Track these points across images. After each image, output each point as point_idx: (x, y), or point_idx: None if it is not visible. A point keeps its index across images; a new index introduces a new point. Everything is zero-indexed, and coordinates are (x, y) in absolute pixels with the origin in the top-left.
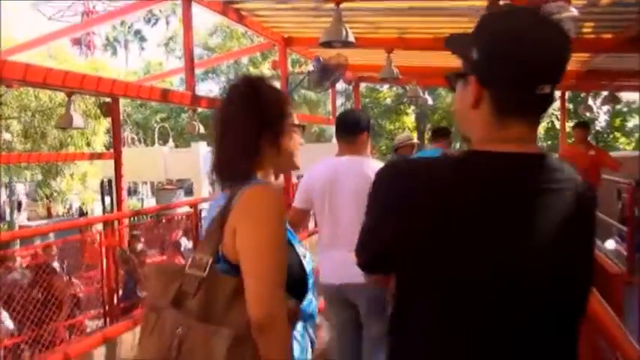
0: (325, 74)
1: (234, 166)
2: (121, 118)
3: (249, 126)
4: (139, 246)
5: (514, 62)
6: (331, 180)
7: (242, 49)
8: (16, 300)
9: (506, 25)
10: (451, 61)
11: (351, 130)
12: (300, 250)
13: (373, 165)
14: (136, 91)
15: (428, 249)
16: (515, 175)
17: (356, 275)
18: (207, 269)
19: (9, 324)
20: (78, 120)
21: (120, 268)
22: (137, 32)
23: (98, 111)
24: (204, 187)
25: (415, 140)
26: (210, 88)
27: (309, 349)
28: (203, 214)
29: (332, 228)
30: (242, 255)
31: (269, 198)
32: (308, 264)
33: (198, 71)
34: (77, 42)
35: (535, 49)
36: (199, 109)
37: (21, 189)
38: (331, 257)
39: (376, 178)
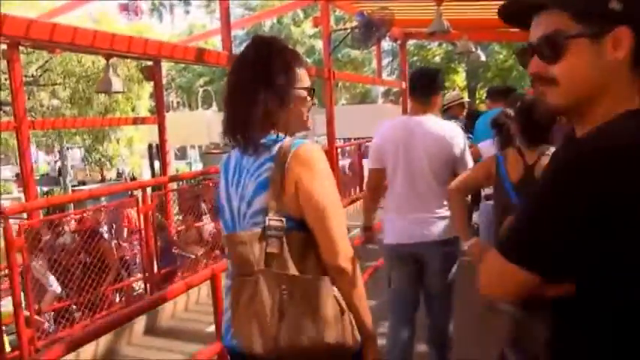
0: (369, 30)
1: (252, 129)
2: (165, 82)
3: (258, 89)
4: (203, 205)
5: None
6: (405, 140)
7: (280, 7)
8: (63, 264)
9: None
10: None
11: (427, 90)
12: None
13: (448, 126)
14: (170, 51)
15: None
16: None
17: (430, 234)
18: (285, 230)
19: (56, 287)
20: (117, 84)
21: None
22: None
23: (141, 75)
24: None
25: (465, 99)
26: None
27: None
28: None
29: (406, 188)
30: (310, 210)
31: (320, 154)
32: None
33: (239, 32)
34: (125, 8)
35: None
36: None
37: (76, 154)
38: (404, 217)
39: (560, 174)
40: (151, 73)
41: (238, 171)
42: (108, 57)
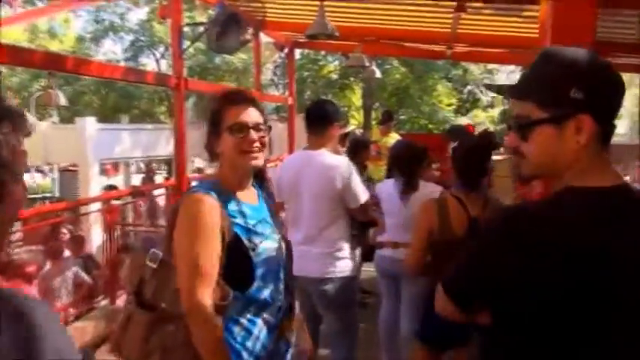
0: (232, 27)
1: None
2: None
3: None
4: None
5: (617, 95)
6: (296, 176)
7: None
8: None
9: (594, 60)
10: (410, 21)
11: (319, 124)
12: (254, 241)
13: (334, 161)
14: None
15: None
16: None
17: (310, 269)
18: (158, 262)
19: None
20: None
21: None
22: None
23: None
24: (94, 175)
25: (350, 128)
26: (114, 50)
27: (265, 334)
28: None
29: (297, 222)
30: (176, 257)
31: (190, 205)
32: (259, 254)
33: (96, 27)
34: None
35: (619, 82)
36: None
37: None
38: (295, 249)
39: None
40: None
41: None
42: None
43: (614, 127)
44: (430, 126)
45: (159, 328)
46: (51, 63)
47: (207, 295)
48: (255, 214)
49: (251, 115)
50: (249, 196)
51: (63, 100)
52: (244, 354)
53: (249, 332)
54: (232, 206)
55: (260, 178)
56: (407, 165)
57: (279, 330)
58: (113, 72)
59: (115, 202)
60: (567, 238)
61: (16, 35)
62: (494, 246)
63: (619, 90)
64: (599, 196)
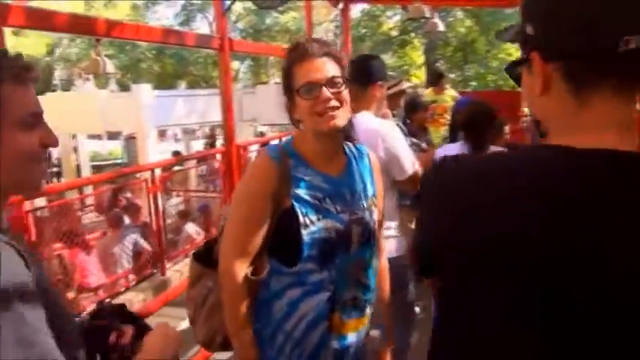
0: None
1: None
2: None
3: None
4: None
5: (580, 18)
6: None
7: None
8: None
9: None
10: None
11: (359, 82)
12: (310, 217)
13: (376, 126)
14: None
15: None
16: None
17: None
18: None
19: None
20: None
21: None
22: None
23: None
24: (151, 142)
25: (407, 85)
26: (167, 15)
27: (308, 322)
28: None
29: None
30: None
31: (249, 169)
32: (312, 233)
33: None
34: None
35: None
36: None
37: None
38: None
39: None
40: None
41: None
42: None
43: (604, 59)
44: (500, 82)
45: (201, 281)
46: (77, 26)
47: (240, 266)
48: (328, 186)
49: (322, 70)
50: (330, 165)
51: (111, 68)
52: (280, 336)
53: (289, 313)
54: (300, 173)
55: (350, 140)
56: (475, 127)
57: (329, 323)
58: (150, 34)
59: (175, 168)
60: (483, 210)
61: (71, 6)
62: (422, 206)
63: (588, 8)
64: (551, 162)
